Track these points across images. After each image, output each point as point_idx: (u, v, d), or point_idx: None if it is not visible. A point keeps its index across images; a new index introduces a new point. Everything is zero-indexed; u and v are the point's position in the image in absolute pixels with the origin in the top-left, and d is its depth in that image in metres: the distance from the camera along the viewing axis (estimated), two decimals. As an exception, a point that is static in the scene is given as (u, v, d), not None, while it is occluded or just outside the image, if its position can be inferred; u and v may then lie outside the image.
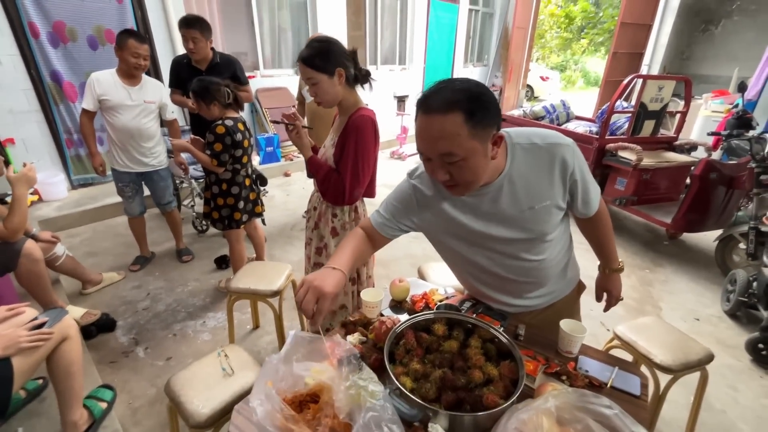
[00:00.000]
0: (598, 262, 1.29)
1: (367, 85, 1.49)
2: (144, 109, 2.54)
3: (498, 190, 0.99)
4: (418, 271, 2.03)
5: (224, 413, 1.25)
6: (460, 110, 0.81)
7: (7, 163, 1.77)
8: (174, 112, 2.79)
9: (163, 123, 2.79)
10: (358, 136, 1.40)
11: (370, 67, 6.58)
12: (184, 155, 3.30)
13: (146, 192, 2.81)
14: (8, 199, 1.82)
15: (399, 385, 0.88)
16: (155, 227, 3.50)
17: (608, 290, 1.29)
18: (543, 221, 1.03)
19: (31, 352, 1.30)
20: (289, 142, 5.21)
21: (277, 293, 1.90)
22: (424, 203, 1.09)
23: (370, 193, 1.59)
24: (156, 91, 2.61)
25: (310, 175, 3.58)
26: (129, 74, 2.45)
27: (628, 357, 1.57)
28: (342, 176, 1.44)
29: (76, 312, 2.17)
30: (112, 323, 2.32)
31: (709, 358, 1.53)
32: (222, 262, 2.96)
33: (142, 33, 3.97)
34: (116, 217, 3.64)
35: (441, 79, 0.89)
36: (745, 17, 7.32)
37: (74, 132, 3.83)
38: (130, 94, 2.47)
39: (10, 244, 1.84)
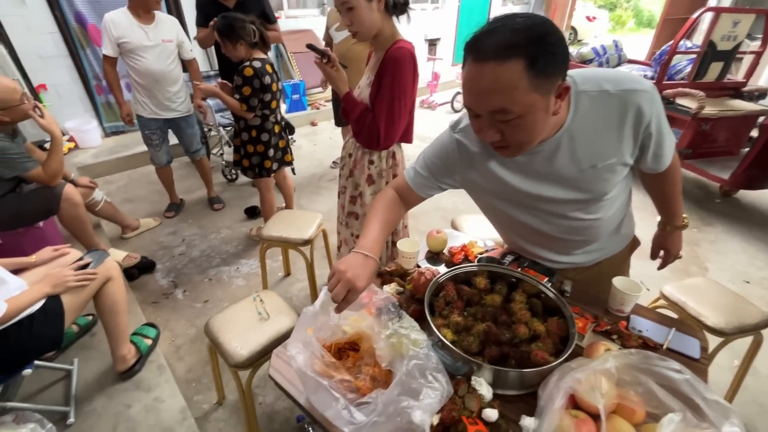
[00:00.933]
0: (658, 218, 1.17)
1: (404, 17, 1.34)
2: (163, 50, 2.44)
3: (555, 148, 0.85)
4: (452, 225, 1.95)
5: (261, 355, 1.28)
6: (519, 56, 0.65)
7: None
8: (193, 51, 2.67)
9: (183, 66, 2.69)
10: (396, 71, 1.27)
11: (400, 7, 6.10)
12: (211, 102, 3.24)
13: (173, 141, 2.78)
14: (47, 145, 1.83)
15: (441, 337, 0.85)
16: (187, 175, 3.54)
17: (667, 248, 1.18)
18: (604, 180, 0.89)
19: (79, 290, 1.36)
20: (316, 90, 5.04)
21: (308, 242, 1.89)
22: (468, 161, 0.97)
23: (408, 138, 1.48)
24: (172, 28, 2.49)
25: (338, 123, 3.47)
26: (144, 8, 2.32)
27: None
28: (377, 117, 1.33)
29: (117, 255, 2.27)
30: (152, 265, 2.42)
31: (767, 322, 1.43)
32: (252, 213, 2.98)
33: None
34: (149, 165, 3.68)
35: (497, 16, 0.71)
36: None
37: (102, 78, 3.80)
38: (148, 34, 2.36)
39: (51, 188, 1.88)
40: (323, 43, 3.18)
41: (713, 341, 1.42)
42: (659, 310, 1.57)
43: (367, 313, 0.89)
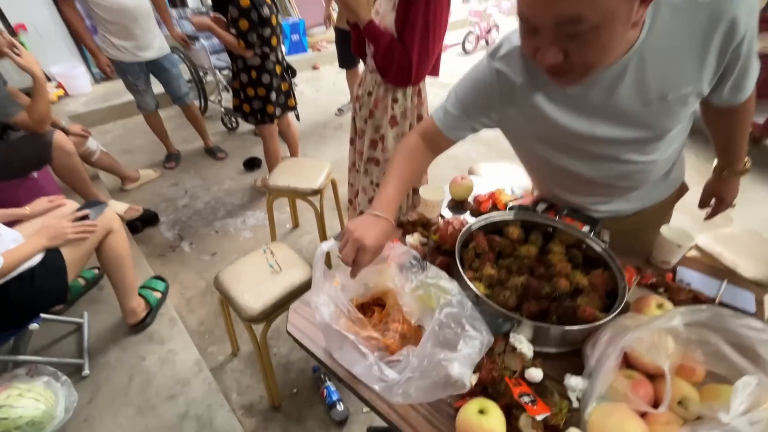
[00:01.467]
0: (715, 162, 1.04)
1: None
2: None
3: (619, 75, 0.69)
4: (470, 172, 1.83)
5: (275, 309, 1.22)
6: None
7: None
8: None
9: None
10: None
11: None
12: (205, 42, 2.99)
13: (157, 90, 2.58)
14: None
15: (475, 290, 0.77)
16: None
17: (721, 196, 1.05)
18: (672, 114, 0.74)
19: (79, 243, 1.28)
20: (318, 29, 4.66)
21: (317, 192, 1.78)
22: (509, 95, 0.81)
23: (435, 70, 1.30)
24: None
25: (342, 65, 3.19)
26: None
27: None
28: (408, 47, 1.15)
29: (119, 207, 2.18)
30: (156, 218, 2.35)
31: (809, 273, 1.35)
32: (252, 164, 2.83)
33: None
34: (144, 113, 3.52)
35: None
36: None
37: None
38: None
39: (40, 135, 1.75)
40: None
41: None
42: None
43: (388, 266, 0.81)
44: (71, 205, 1.41)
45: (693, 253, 1.50)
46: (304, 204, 1.85)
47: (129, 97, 3.45)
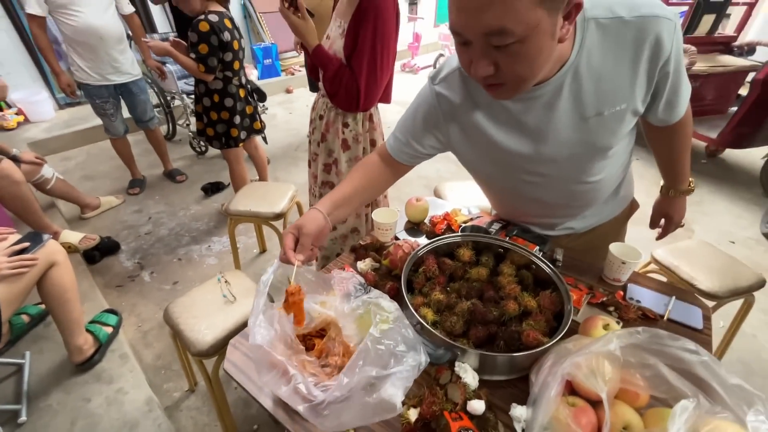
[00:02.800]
0: (661, 182, 1.06)
1: None
2: (101, 1, 2.15)
3: (557, 91, 0.71)
4: (434, 192, 1.83)
5: (227, 342, 1.16)
6: None
7: None
8: (130, 4, 2.38)
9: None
10: (377, 19, 1.09)
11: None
12: (172, 67, 2.97)
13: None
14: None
15: (420, 318, 0.74)
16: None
17: (669, 215, 1.07)
18: (610, 131, 0.76)
19: (16, 279, 1.20)
20: (290, 54, 4.72)
21: (280, 216, 1.74)
22: (451, 116, 0.83)
23: (386, 98, 1.31)
24: None
25: (313, 89, 3.23)
26: None
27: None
28: (356, 73, 1.15)
29: (72, 237, 2.08)
30: (116, 246, 2.25)
31: (760, 283, 1.38)
32: (212, 189, 2.74)
33: None
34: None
35: None
36: None
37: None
38: None
39: (-15, 164, 1.67)
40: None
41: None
42: (650, 275, 1.51)
43: (334, 296, 0.78)
44: (12, 238, 1.33)
45: (652, 266, 1.52)
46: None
47: (94, 122, 3.40)
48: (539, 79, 0.69)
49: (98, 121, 3.31)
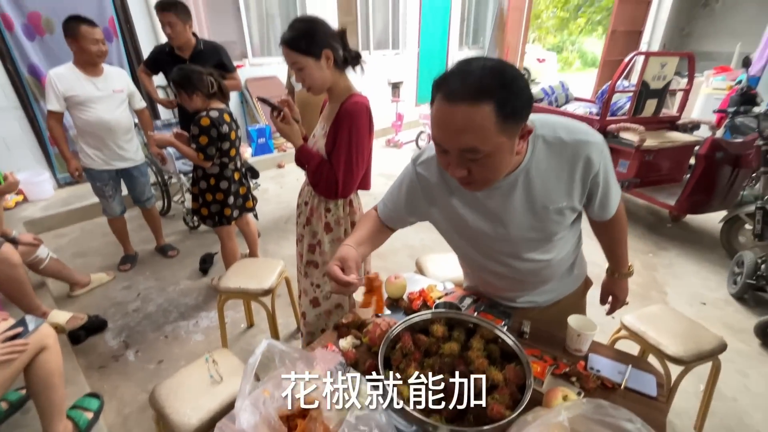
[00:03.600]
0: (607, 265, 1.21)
1: (358, 68, 1.38)
2: (114, 99, 2.39)
3: (512, 185, 0.89)
4: (416, 265, 1.95)
5: (213, 424, 1.17)
6: (491, 100, 0.68)
7: None
8: (143, 100, 2.64)
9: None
10: (352, 125, 1.30)
11: (363, 53, 6.31)
12: (171, 150, 3.19)
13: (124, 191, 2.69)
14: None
15: (393, 395, 0.80)
16: (144, 225, 3.39)
17: (615, 294, 1.23)
18: (554, 222, 0.93)
19: (6, 365, 1.22)
20: (282, 133, 5.08)
21: (269, 291, 1.82)
22: (429, 194, 1.01)
23: (365, 184, 1.49)
24: (121, 79, 2.45)
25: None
26: (91, 63, 2.27)
27: (635, 347, 1.51)
28: (335, 168, 1.34)
29: (60, 317, 2.09)
30: (103, 325, 2.25)
31: (722, 347, 1.46)
32: (204, 263, 2.80)
33: (122, 21, 3.81)
34: (104, 215, 3.54)
35: (466, 58, 0.75)
36: (746, -9, 7.12)
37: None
38: (96, 85, 2.31)
39: (-14, 248, 1.75)
40: (285, 91, 3.25)
41: (676, 369, 1.44)
42: (622, 340, 1.59)
43: (317, 375, 0.84)
44: (5, 324, 1.37)
45: (623, 333, 1.60)
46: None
47: (92, 200, 3.54)
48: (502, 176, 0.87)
49: (95, 199, 3.46)
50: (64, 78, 2.23)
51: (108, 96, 2.35)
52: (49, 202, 3.56)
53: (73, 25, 2.16)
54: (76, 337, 2.13)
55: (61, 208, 3.46)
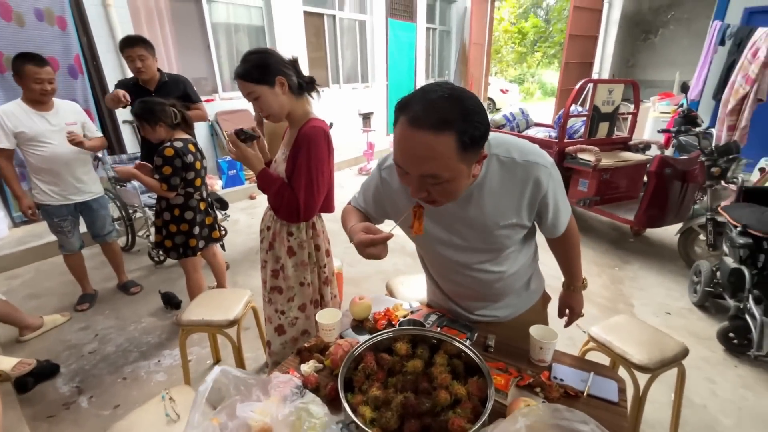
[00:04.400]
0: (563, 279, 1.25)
1: (315, 94, 1.42)
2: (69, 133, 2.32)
3: (468, 198, 0.93)
4: (387, 287, 1.93)
5: (167, 467, 1.09)
6: (454, 131, 0.71)
7: None
8: (98, 131, 2.58)
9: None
10: (311, 149, 1.32)
11: (333, 86, 6.58)
12: (137, 183, 3.11)
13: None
14: None
15: (354, 419, 0.78)
16: (105, 263, 3.24)
17: (571, 306, 1.26)
18: (504, 237, 0.97)
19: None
20: (253, 165, 5.07)
21: (234, 323, 1.75)
22: (391, 198, 1.05)
23: (328, 207, 1.50)
24: (73, 113, 2.40)
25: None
26: (37, 101, 2.23)
27: (605, 359, 1.53)
28: (295, 191, 1.35)
29: (5, 363, 1.93)
30: (55, 369, 2.08)
31: (684, 352, 1.50)
32: (169, 301, 2.66)
33: (88, 57, 3.80)
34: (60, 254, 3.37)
35: (428, 84, 0.78)
36: (679, 26, 7.87)
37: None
38: (49, 120, 2.26)
39: None
40: (255, 122, 3.28)
41: (643, 378, 1.46)
42: (591, 351, 1.61)
43: (272, 401, 0.81)
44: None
45: (591, 344, 1.62)
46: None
47: (48, 238, 3.37)
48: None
49: (52, 238, 3.29)
50: (12, 115, 2.17)
51: (61, 129, 2.28)
52: (3, 242, 3.36)
53: (19, 63, 2.13)
54: (23, 384, 1.96)
55: (15, 248, 3.27)
